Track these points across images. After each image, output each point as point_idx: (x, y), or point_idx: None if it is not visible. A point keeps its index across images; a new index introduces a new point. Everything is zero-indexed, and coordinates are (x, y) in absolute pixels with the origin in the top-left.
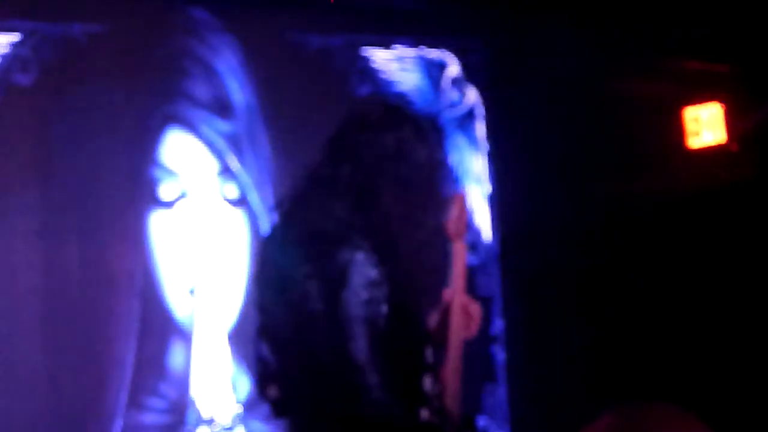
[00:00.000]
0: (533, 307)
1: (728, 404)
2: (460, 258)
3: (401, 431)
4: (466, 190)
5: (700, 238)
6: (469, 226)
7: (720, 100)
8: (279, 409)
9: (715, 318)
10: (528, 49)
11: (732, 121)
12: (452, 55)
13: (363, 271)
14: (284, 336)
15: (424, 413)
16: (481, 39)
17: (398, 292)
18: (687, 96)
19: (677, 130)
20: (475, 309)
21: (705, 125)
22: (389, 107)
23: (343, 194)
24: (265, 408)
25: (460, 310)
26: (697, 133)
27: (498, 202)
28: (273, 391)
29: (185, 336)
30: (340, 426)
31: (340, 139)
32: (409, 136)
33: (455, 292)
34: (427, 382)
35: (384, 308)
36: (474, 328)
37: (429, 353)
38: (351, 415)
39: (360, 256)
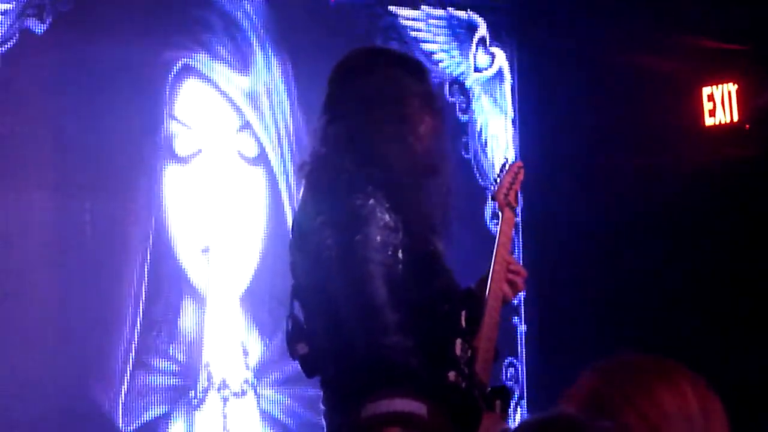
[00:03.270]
0: (553, 282)
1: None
2: (506, 227)
3: (423, 382)
4: (521, 162)
5: (710, 214)
6: (518, 198)
7: (735, 80)
8: (307, 365)
9: (725, 292)
10: (555, 15)
11: (746, 101)
12: (481, 17)
13: (375, 216)
14: (309, 293)
15: (452, 375)
16: (511, 2)
17: (415, 241)
18: (704, 74)
19: (694, 107)
20: (520, 268)
21: (720, 104)
22: (372, 51)
23: (349, 148)
24: (275, 373)
25: (502, 280)
26: (712, 112)
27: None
28: (302, 348)
29: (198, 298)
30: (364, 378)
31: (334, 93)
32: (398, 73)
33: (497, 260)
34: (458, 346)
35: (400, 254)
36: (520, 285)
37: (464, 318)
38: (372, 362)
39: (371, 202)
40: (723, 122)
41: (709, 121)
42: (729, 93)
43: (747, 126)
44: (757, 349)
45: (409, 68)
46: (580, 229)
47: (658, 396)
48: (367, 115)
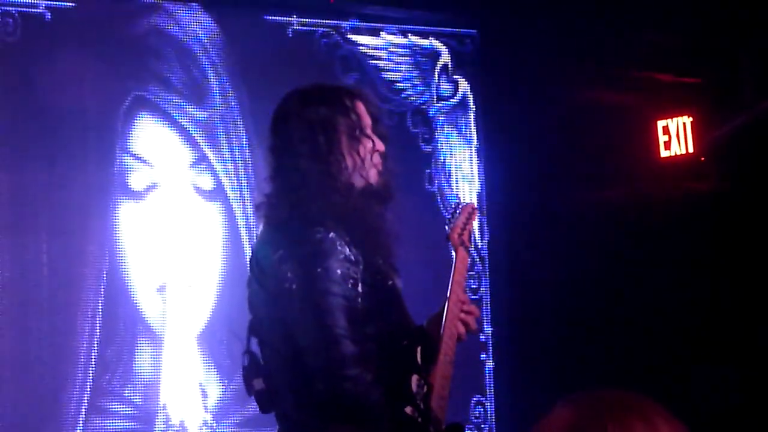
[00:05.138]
0: (520, 317)
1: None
2: (461, 266)
3: (381, 416)
4: (475, 201)
5: (668, 244)
6: (472, 238)
7: (690, 112)
8: (264, 401)
9: (688, 323)
10: (517, 43)
11: (700, 133)
12: (444, 45)
13: (336, 249)
14: (267, 327)
15: (409, 410)
16: (476, 28)
17: (375, 275)
18: (659, 107)
19: (650, 140)
20: (473, 308)
21: (675, 136)
22: (296, 94)
23: (295, 185)
24: (235, 415)
25: (456, 318)
26: (667, 144)
27: (486, 200)
28: (258, 384)
29: (154, 337)
30: (323, 410)
31: (271, 140)
32: (322, 112)
33: (451, 299)
34: (415, 382)
35: (360, 287)
36: (473, 325)
37: (419, 354)
38: (332, 394)
39: (332, 235)
40: (678, 154)
41: (664, 154)
42: (684, 125)
43: (702, 158)
44: (721, 380)
45: (333, 102)
46: (547, 263)
47: None
48: (299, 156)
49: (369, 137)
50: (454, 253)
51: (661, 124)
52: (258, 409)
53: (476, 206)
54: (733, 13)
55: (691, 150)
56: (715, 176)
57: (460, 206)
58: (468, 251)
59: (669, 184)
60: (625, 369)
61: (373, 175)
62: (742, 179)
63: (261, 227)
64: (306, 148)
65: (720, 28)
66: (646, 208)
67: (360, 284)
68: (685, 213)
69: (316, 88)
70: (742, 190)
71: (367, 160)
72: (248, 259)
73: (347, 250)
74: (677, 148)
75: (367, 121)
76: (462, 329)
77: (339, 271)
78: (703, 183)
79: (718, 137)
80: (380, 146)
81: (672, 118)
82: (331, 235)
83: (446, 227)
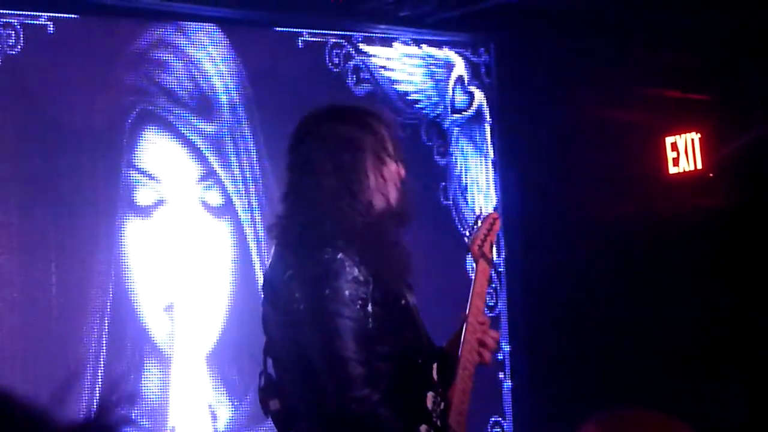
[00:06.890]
0: (538, 334)
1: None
2: (482, 277)
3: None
4: (497, 212)
5: (676, 261)
6: (494, 248)
7: (698, 129)
8: (280, 421)
9: (696, 336)
10: (533, 54)
11: (709, 150)
12: (458, 55)
13: (344, 269)
14: (281, 348)
15: (423, 428)
16: (491, 39)
17: (386, 293)
18: (667, 123)
19: (658, 156)
20: (494, 335)
21: (683, 153)
22: (322, 111)
23: (312, 204)
24: None
25: (476, 331)
26: (676, 161)
27: (503, 214)
28: (274, 405)
29: (162, 358)
30: (335, 430)
31: (291, 156)
32: (347, 130)
33: (471, 312)
34: (430, 399)
35: (369, 307)
36: (488, 355)
37: (436, 371)
38: (341, 415)
39: (340, 256)
40: (687, 171)
41: (673, 170)
42: (692, 142)
43: (710, 174)
44: (742, 393)
45: (359, 122)
46: (564, 278)
47: None
48: (320, 173)
49: (394, 160)
50: (475, 265)
51: (669, 140)
52: (271, 429)
53: (498, 216)
54: (742, 31)
55: (699, 166)
56: (723, 193)
57: (481, 217)
58: (489, 262)
59: (677, 201)
60: (646, 385)
61: (393, 198)
62: (750, 196)
63: (273, 248)
64: (329, 165)
65: (728, 46)
66: (654, 224)
67: (369, 304)
68: (693, 229)
69: (339, 108)
70: (750, 206)
71: (390, 183)
72: (261, 279)
73: (356, 270)
74: (686, 165)
75: (391, 144)
76: (482, 350)
77: (347, 293)
78: (712, 199)
79: (726, 154)
80: (402, 171)
81: (680, 134)
82: (340, 255)
83: (465, 239)
